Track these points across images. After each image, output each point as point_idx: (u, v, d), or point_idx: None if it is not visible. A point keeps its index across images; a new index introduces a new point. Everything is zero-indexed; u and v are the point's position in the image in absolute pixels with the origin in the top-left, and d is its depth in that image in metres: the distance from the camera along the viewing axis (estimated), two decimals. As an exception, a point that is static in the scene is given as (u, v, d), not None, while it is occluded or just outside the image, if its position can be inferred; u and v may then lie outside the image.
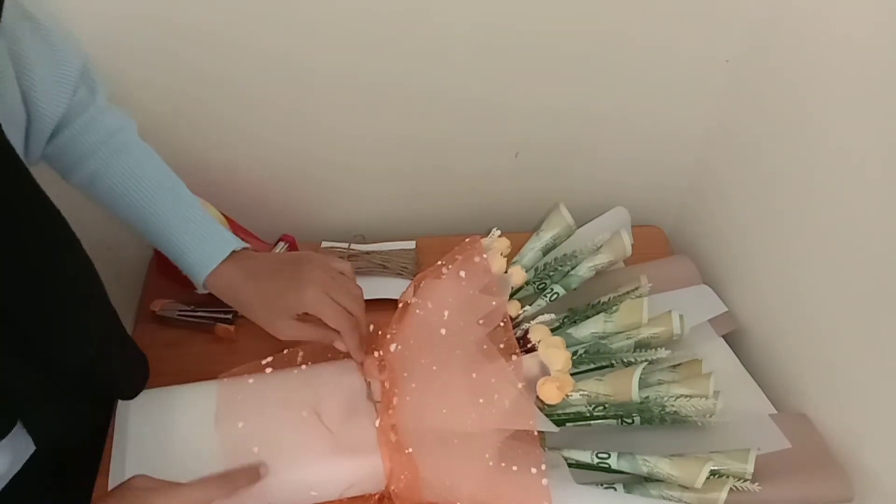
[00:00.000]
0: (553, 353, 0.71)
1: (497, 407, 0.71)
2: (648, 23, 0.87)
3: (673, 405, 0.75)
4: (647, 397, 0.75)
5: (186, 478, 0.68)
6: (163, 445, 0.72)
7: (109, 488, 0.68)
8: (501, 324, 0.75)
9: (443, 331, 0.76)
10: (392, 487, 0.73)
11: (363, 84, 0.88)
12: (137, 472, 0.66)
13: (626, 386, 0.71)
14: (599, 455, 0.73)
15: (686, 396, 0.75)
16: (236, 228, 0.95)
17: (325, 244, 0.99)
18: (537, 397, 0.70)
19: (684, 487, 0.71)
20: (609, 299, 0.89)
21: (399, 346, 0.78)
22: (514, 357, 0.73)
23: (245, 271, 0.72)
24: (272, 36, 0.83)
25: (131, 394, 0.74)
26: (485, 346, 0.74)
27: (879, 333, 0.73)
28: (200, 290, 0.74)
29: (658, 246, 1.07)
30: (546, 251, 0.90)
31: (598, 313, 0.84)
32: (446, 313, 0.77)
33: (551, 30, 0.86)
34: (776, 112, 0.87)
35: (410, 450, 0.72)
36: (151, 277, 0.99)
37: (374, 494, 0.76)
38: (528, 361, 0.72)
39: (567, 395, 0.68)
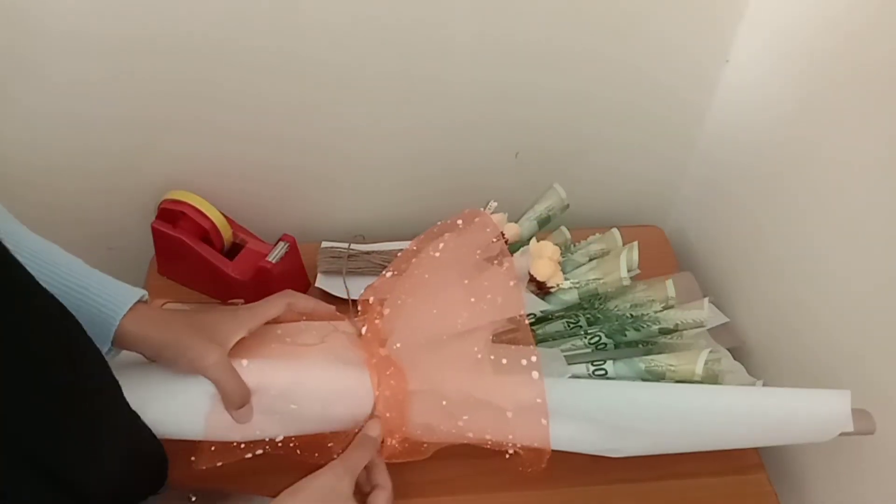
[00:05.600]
0: (540, 263, 0.71)
1: (489, 304, 0.70)
2: (648, 23, 0.87)
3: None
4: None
5: None
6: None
7: None
8: (494, 240, 0.76)
9: (436, 254, 0.77)
10: (377, 394, 0.70)
11: (364, 84, 0.89)
12: None
13: (615, 268, 0.71)
14: (595, 363, 0.70)
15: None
16: (236, 228, 0.95)
17: (324, 244, 0.99)
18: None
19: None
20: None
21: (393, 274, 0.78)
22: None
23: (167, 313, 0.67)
24: (271, 33, 0.82)
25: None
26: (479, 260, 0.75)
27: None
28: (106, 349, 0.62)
29: (658, 246, 1.04)
30: (541, 222, 0.90)
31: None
32: (441, 245, 0.78)
33: (552, 32, 0.86)
34: (779, 113, 0.84)
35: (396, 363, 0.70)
36: (151, 277, 0.99)
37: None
38: (519, 260, 0.72)
39: (558, 263, 0.67)
